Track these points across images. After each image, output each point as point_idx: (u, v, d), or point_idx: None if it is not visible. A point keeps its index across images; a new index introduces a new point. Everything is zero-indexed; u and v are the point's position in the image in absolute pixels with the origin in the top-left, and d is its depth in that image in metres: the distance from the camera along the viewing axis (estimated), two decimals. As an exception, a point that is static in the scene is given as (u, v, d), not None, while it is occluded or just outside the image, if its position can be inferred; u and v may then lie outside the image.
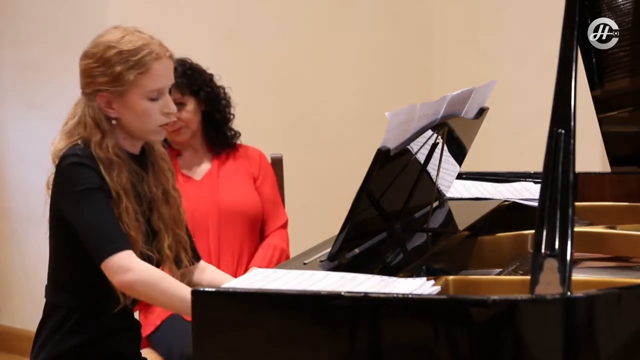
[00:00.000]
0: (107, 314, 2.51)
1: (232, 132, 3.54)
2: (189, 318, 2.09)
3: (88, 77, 2.52)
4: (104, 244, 2.41)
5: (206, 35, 4.43)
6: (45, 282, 2.60)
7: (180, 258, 2.64)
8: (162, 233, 2.58)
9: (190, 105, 3.44)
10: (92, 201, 2.44)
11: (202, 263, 2.75)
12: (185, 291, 2.39)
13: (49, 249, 2.58)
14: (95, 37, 2.55)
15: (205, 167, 3.51)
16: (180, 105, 3.37)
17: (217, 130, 3.50)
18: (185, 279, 2.66)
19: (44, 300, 2.61)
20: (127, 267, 2.39)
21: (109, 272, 2.40)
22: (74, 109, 2.57)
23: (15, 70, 4.65)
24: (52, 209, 2.53)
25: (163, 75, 2.54)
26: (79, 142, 2.50)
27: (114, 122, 2.52)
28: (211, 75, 3.51)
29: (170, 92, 2.66)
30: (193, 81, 3.46)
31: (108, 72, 2.49)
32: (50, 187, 2.53)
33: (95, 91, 2.51)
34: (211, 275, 2.73)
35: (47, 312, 2.59)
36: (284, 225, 3.56)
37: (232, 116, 3.54)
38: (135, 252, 2.45)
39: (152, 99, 2.52)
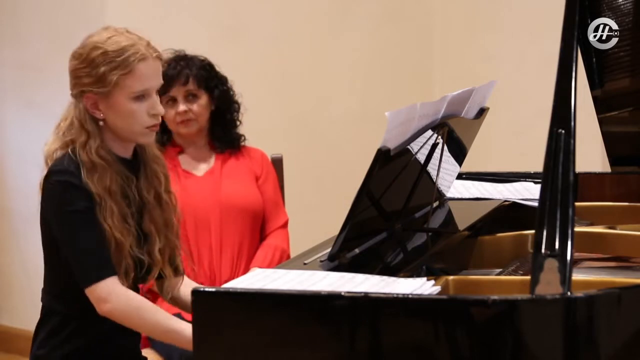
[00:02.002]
0: (106, 318, 2.48)
1: (238, 136, 3.57)
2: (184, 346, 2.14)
3: (74, 77, 2.51)
4: (87, 271, 2.43)
5: (206, 34, 4.43)
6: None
7: (176, 263, 2.63)
8: (153, 236, 2.56)
9: (203, 100, 3.48)
10: (80, 225, 2.44)
11: (186, 279, 2.71)
12: (161, 316, 2.42)
13: (43, 254, 2.57)
14: (84, 38, 2.54)
15: (208, 164, 3.53)
16: (193, 97, 3.46)
17: (224, 131, 3.53)
18: (169, 294, 2.66)
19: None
20: (105, 297, 2.42)
21: (91, 299, 2.44)
22: (67, 109, 2.56)
23: (15, 70, 4.65)
24: (42, 217, 2.52)
25: (149, 76, 2.50)
26: (70, 150, 2.49)
27: (101, 123, 2.51)
28: (227, 78, 3.55)
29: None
30: (210, 78, 3.51)
31: (92, 72, 2.47)
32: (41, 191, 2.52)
33: (82, 92, 2.50)
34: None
35: (43, 316, 2.59)
36: (285, 225, 3.58)
37: (239, 122, 3.57)
38: (122, 255, 2.46)
39: (138, 100, 2.50)
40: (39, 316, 2.60)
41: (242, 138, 3.59)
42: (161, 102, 3.51)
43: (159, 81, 2.55)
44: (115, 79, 2.46)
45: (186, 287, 2.65)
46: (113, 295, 2.42)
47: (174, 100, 3.45)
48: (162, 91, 3.43)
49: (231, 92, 3.56)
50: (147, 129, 2.53)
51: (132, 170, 2.56)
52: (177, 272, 2.64)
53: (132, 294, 2.46)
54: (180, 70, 3.46)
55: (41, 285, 2.60)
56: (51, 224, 2.47)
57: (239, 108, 3.58)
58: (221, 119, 3.52)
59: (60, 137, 2.53)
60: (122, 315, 2.44)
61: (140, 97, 2.50)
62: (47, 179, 2.48)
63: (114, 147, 2.53)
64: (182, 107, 3.43)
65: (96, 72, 2.47)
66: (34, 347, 2.59)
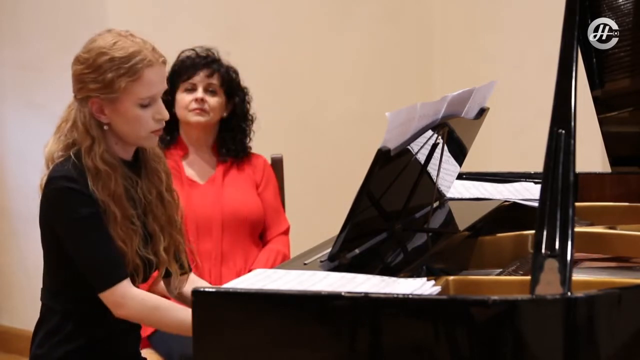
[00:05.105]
0: (106, 318, 2.49)
1: (246, 147, 3.56)
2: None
3: (80, 82, 2.49)
4: (99, 277, 2.44)
5: (205, 35, 4.41)
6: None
7: (181, 260, 2.64)
8: (157, 235, 2.57)
9: (221, 99, 3.49)
10: (87, 232, 2.44)
11: (192, 275, 2.73)
12: (182, 314, 2.43)
13: (43, 254, 2.57)
14: (88, 41, 2.52)
15: (210, 171, 3.53)
16: (212, 92, 3.48)
17: (234, 140, 3.52)
18: (176, 290, 2.67)
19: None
20: (120, 302, 2.43)
21: (107, 304, 2.45)
22: (67, 111, 2.55)
23: (15, 70, 4.65)
24: (42, 220, 2.52)
25: (155, 82, 2.50)
26: (73, 155, 2.48)
27: (105, 127, 2.50)
28: (248, 90, 3.57)
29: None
30: (233, 83, 3.53)
31: (99, 78, 2.46)
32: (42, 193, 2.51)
33: (87, 97, 2.48)
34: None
35: (43, 315, 2.59)
36: (286, 232, 3.58)
37: (249, 138, 3.57)
38: (127, 260, 2.47)
39: (144, 106, 2.49)
40: (38, 316, 2.60)
41: (248, 148, 3.59)
42: (180, 89, 3.54)
43: (164, 86, 2.54)
44: (123, 86, 2.45)
45: (193, 284, 2.66)
46: (127, 299, 2.43)
47: (193, 88, 3.45)
48: (185, 78, 3.46)
49: (248, 105, 3.56)
50: (151, 133, 2.52)
51: (135, 171, 2.56)
52: (183, 268, 2.65)
53: (146, 295, 2.47)
54: (208, 63, 3.48)
55: (41, 285, 2.60)
56: (58, 231, 2.47)
57: (252, 121, 3.57)
58: (233, 127, 3.51)
59: (62, 140, 2.52)
60: (140, 317, 2.48)
61: (147, 103, 2.49)
62: (48, 184, 2.47)
63: (117, 150, 2.53)
64: (200, 94, 3.44)
65: (103, 78, 2.46)
66: (33, 346, 2.59)
